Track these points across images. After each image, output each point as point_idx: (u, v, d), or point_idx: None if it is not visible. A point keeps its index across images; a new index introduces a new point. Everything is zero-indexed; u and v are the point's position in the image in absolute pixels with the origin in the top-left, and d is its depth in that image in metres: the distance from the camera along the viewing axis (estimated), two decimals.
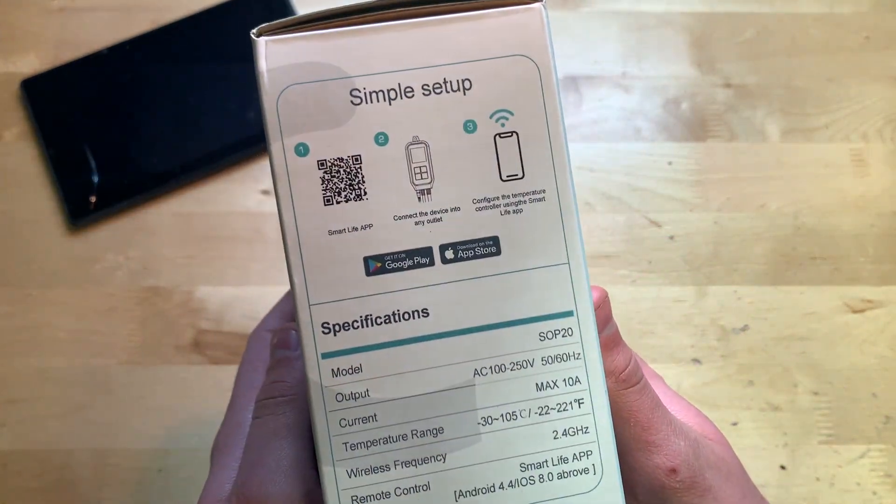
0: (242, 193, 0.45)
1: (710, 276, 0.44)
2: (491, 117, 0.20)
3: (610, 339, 0.21)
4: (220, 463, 0.24)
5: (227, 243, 0.44)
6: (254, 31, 0.19)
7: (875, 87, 0.48)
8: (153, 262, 0.44)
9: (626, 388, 0.21)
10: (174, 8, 0.48)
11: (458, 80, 0.19)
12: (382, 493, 0.20)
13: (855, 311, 0.43)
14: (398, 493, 0.20)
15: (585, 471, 0.20)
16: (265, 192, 0.45)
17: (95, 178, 0.44)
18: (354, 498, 0.20)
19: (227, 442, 0.24)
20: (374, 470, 0.20)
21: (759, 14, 0.49)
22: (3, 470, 0.40)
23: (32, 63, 0.47)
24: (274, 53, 0.19)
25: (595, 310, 0.20)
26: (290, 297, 0.26)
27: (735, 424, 0.41)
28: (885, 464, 0.41)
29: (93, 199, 0.44)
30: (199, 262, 0.44)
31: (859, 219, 0.45)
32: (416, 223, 0.19)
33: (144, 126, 0.46)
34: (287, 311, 0.28)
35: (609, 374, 0.21)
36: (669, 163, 0.46)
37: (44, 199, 0.45)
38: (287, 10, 0.47)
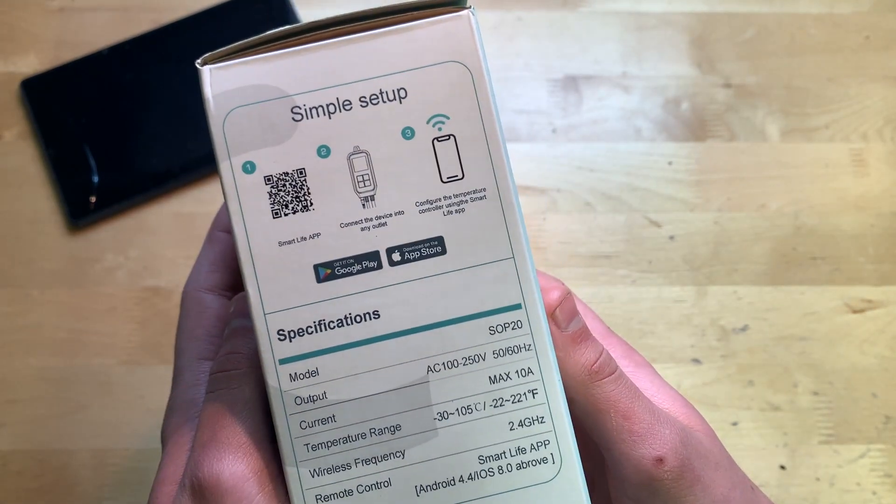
0: None
1: (710, 276, 0.44)
2: (428, 122, 0.20)
3: (577, 335, 0.21)
4: (176, 443, 0.23)
5: None
6: (198, 60, 0.20)
7: (875, 87, 0.48)
8: (153, 262, 0.44)
9: (600, 379, 0.21)
10: (174, 8, 0.48)
11: (393, 90, 0.20)
12: (345, 490, 0.20)
13: (855, 312, 0.43)
14: (360, 490, 0.20)
15: (544, 460, 0.20)
16: None
17: (95, 178, 0.44)
18: (318, 497, 0.20)
19: (179, 422, 0.23)
20: (336, 469, 0.20)
21: (758, 14, 0.49)
22: (3, 470, 0.40)
23: (32, 63, 0.47)
24: (217, 80, 0.20)
25: (558, 307, 0.21)
26: (212, 245, 0.25)
27: (735, 424, 0.41)
28: (885, 464, 0.41)
29: (93, 199, 0.44)
30: None
31: (859, 219, 0.45)
32: (362, 229, 0.20)
33: (144, 126, 0.46)
34: (215, 259, 0.26)
35: (581, 367, 0.21)
36: (669, 163, 0.46)
37: (44, 198, 0.45)
38: (287, 10, 0.47)
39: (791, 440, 0.41)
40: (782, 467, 0.41)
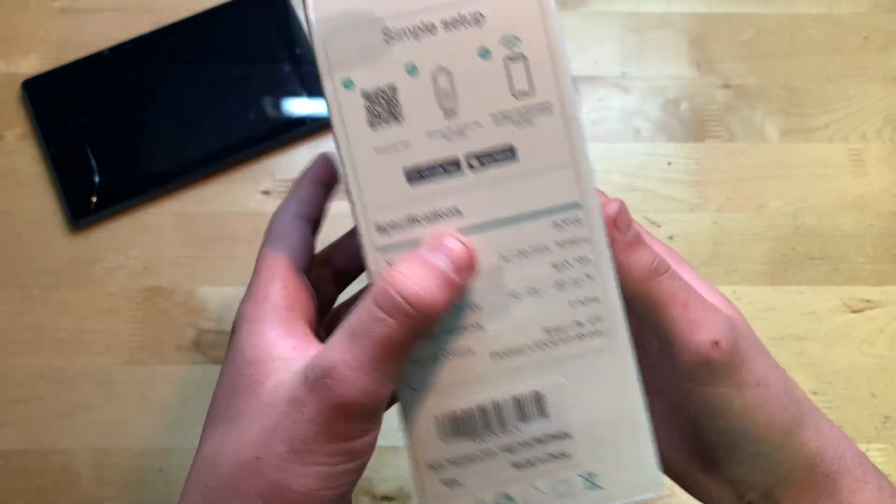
0: (242, 193, 0.45)
1: (709, 276, 0.44)
2: (502, 44, 0.23)
3: (634, 241, 0.24)
4: (251, 321, 0.24)
5: (228, 243, 0.44)
6: None
7: (874, 87, 0.48)
8: (154, 261, 0.44)
9: (658, 276, 0.24)
10: (175, 9, 0.48)
11: (471, 14, 0.23)
12: (433, 355, 0.24)
13: (854, 311, 0.44)
14: (444, 358, 0.24)
15: (598, 333, 0.24)
16: (265, 193, 0.45)
17: (96, 178, 0.45)
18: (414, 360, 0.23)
19: (252, 309, 0.25)
20: (425, 347, 0.23)
21: (757, 14, 0.49)
22: (4, 469, 0.40)
23: (34, 64, 0.47)
24: (318, 4, 0.23)
25: (616, 218, 0.24)
26: (304, 184, 0.28)
27: None
28: (885, 463, 0.41)
29: (93, 199, 0.44)
30: (199, 261, 0.44)
31: (858, 219, 0.45)
32: (445, 138, 0.23)
33: (145, 126, 0.46)
34: (302, 198, 0.28)
35: (641, 268, 0.24)
36: (669, 163, 0.46)
37: (45, 199, 0.45)
38: (288, 10, 0.47)
39: None
40: None
